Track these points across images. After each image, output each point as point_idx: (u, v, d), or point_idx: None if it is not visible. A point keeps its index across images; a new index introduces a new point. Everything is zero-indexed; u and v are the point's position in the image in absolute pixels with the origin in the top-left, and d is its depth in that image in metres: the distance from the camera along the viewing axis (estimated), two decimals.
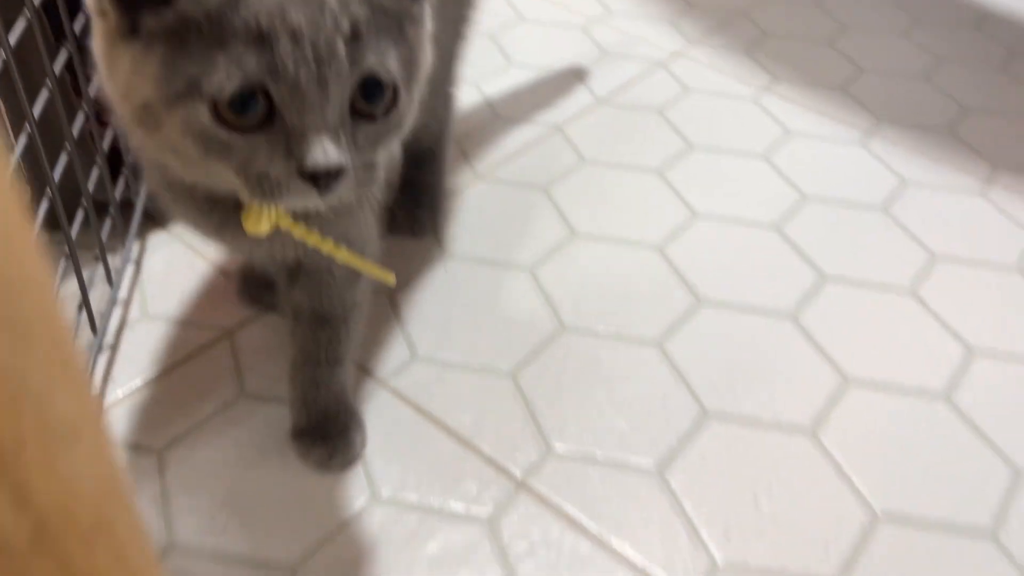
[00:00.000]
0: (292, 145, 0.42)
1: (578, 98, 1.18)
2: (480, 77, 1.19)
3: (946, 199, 1.06)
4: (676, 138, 1.13)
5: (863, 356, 0.86)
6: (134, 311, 0.83)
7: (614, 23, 1.35)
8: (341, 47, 0.41)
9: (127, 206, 0.88)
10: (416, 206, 0.92)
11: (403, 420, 0.76)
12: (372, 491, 0.71)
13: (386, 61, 0.44)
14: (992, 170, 1.11)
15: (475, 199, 1.01)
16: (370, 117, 0.45)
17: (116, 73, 0.44)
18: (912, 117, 1.18)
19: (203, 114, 0.42)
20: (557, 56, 1.25)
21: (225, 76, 0.40)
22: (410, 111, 0.48)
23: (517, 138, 1.10)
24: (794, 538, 0.71)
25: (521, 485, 0.72)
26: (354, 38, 0.42)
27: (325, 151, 0.41)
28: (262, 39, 0.40)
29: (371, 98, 0.44)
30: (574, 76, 1.22)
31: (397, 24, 0.45)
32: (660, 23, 1.35)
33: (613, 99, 1.18)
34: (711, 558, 0.69)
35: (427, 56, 0.50)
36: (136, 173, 0.86)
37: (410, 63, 0.47)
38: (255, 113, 0.42)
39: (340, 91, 0.42)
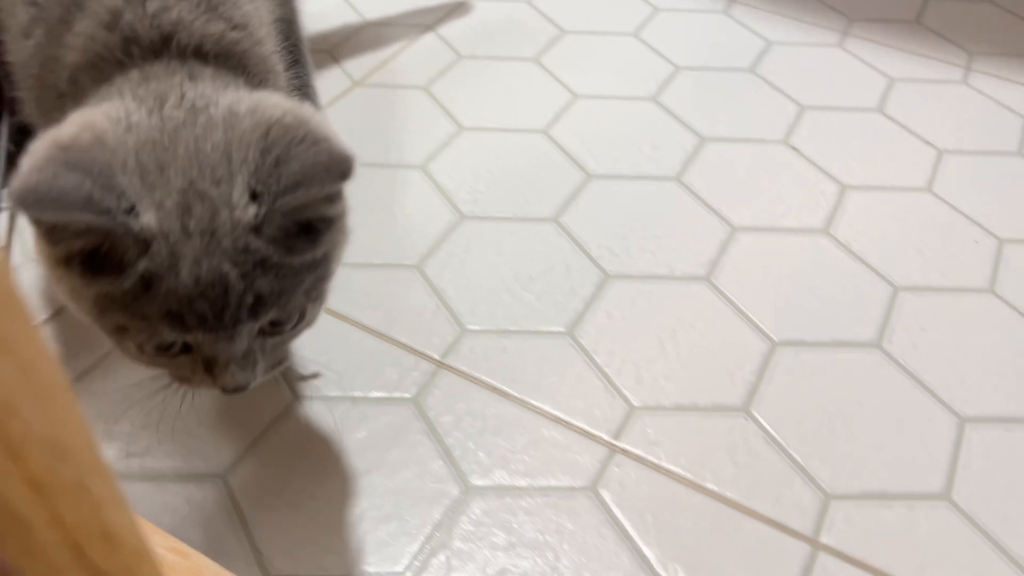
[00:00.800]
0: (209, 366, 0.47)
1: None
2: None
3: (808, 54, 1.11)
4: (549, 26, 1.13)
5: (747, 205, 0.91)
6: (16, 255, 0.80)
7: None
8: (245, 316, 0.44)
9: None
10: None
11: (316, 326, 0.77)
12: (294, 393, 0.71)
13: (290, 306, 0.46)
14: (848, 23, 1.16)
15: (356, 106, 1.00)
16: (278, 334, 0.48)
17: (59, 286, 0.46)
18: None
19: (131, 347, 0.46)
20: None
21: (146, 337, 0.44)
22: (322, 304, 0.51)
23: (390, 41, 1.09)
24: (701, 374, 0.75)
25: (440, 365, 0.74)
26: (257, 303, 0.44)
27: (234, 376, 0.46)
28: (175, 318, 0.43)
29: (278, 326, 0.47)
30: None
31: (310, 244, 0.46)
32: None
33: None
34: (627, 403, 0.73)
35: (343, 244, 0.51)
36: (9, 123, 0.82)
37: (324, 274, 0.48)
38: (175, 349, 0.46)
39: (247, 335, 0.46)
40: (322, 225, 0.46)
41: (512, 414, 0.71)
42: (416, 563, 0.62)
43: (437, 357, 0.75)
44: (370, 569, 0.61)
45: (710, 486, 0.68)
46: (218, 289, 0.42)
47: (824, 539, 0.65)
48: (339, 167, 0.42)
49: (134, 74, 0.46)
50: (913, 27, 1.17)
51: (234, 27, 0.50)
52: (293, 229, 0.45)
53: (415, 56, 1.07)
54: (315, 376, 0.72)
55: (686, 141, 0.98)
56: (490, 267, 0.83)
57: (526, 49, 1.09)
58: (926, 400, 0.75)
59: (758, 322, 0.80)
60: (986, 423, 0.74)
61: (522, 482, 0.67)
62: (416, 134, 0.96)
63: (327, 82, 1.02)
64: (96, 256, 0.42)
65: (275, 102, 0.46)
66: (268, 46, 0.54)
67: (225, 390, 0.47)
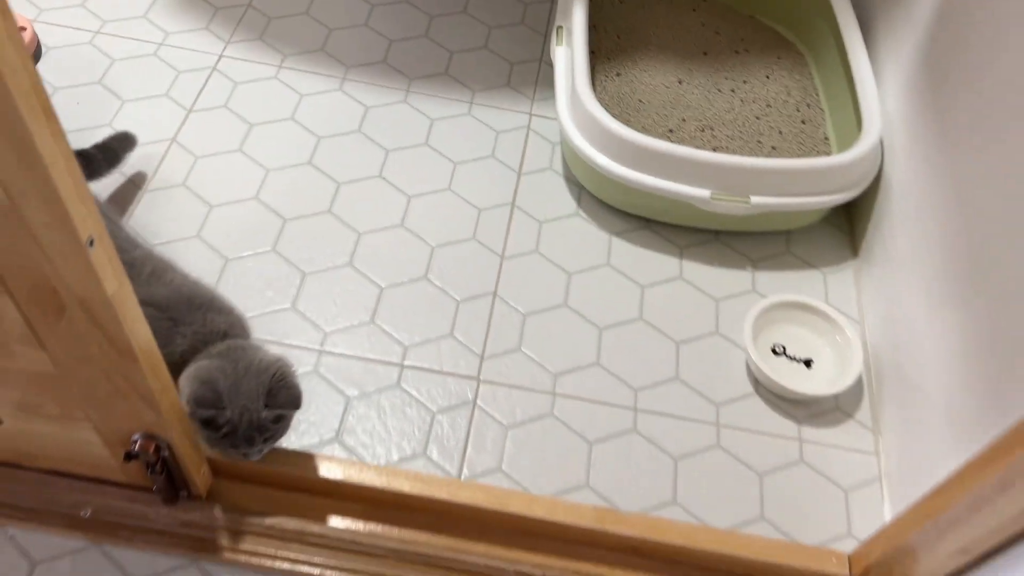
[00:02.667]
0: (244, 455, 0.83)
1: None
2: None
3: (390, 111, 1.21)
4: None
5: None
6: None
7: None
8: (259, 443, 0.82)
9: None
10: None
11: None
12: None
13: (272, 440, 0.84)
14: (408, 82, 1.27)
15: None
16: (267, 444, 0.84)
17: (197, 435, 0.82)
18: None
19: (216, 451, 0.83)
20: None
21: (221, 448, 0.82)
22: (283, 436, 0.86)
23: None
24: None
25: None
26: (263, 440, 0.82)
27: (251, 454, 0.83)
28: (235, 445, 0.81)
29: (267, 443, 0.84)
30: None
31: (282, 423, 0.85)
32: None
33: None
34: None
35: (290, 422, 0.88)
36: None
37: (284, 429, 0.85)
38: (233, 452, 0.82)
39: (259, 447, 0.83)
40: (286, 416, 0.84)
41: None
42: None
43: None
44: None
45: None
46: (251, 435, 0.81)
47: None
48: (298, 402, 0.82)
49: (214, 348, 0.85)
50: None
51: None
52: (275, 417, 0.82)
53: None
54: None
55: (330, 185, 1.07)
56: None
57: None
58: None
59: None
60: None
61: None
62: None
63: None
64: (209, 423, 0.79)
65: (272, 358, 0.84)
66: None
67: (248, 458, 0.83)
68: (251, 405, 0.80)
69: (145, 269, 0.90)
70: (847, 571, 0.84)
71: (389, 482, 0.86)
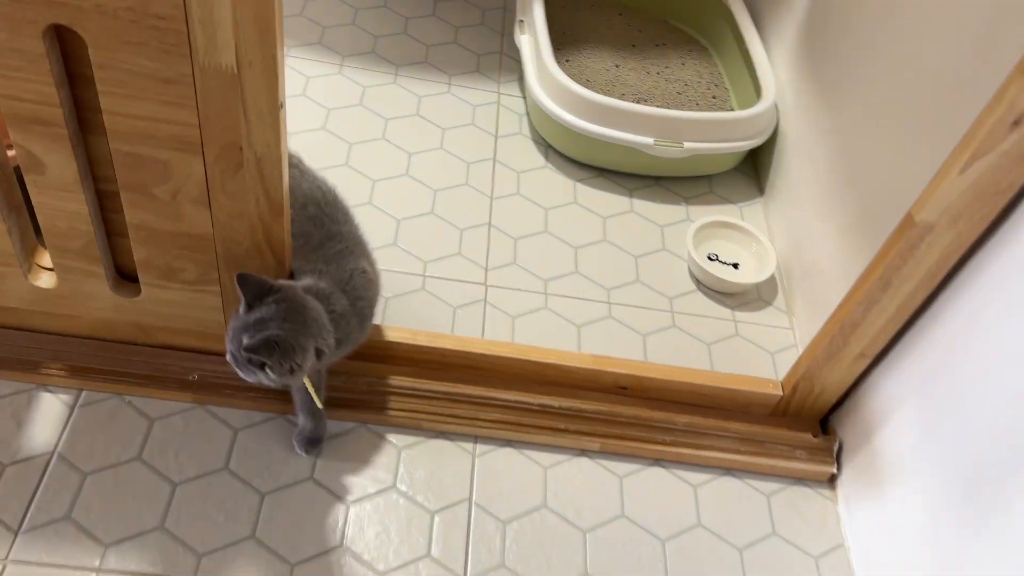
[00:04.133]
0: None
1: None
2: None
3: None
4: None
5: None
6: None
7: None
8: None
9: None
10: None
11: None
12: None
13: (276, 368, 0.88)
14: None
15: None
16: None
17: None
18: None
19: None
20: None
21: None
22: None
23: None
24: None
25: None
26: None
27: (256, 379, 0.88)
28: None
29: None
30: None
31: None
32: None
33: None
34: None
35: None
36: None
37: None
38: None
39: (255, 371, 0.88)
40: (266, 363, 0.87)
41: None
42: None
43: None
44: None
45: None
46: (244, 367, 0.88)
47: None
48: (265, 356, 0.86)
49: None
50: None
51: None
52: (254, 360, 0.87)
53: None
54: None
55: (343, 145, 1.36)
56: None
57: None
58: None
59: None
60: None
61: None
62: None
63: None
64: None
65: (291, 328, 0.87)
66: None
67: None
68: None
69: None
70: (780, 391, 1.13)
71: (433, 342, 1.09)
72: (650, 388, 1.12)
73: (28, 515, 0.93)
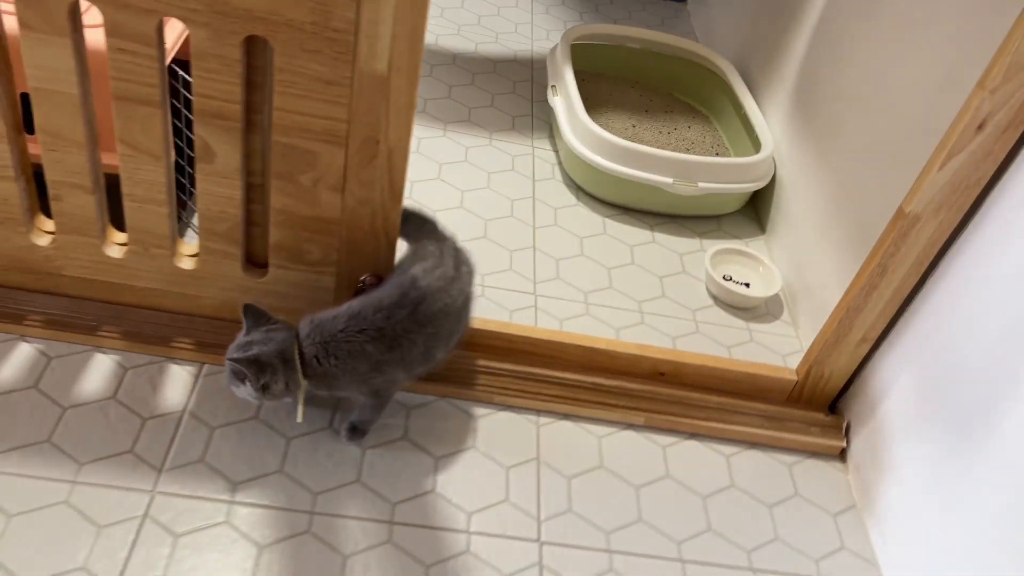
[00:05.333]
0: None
1: None
2: None
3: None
4: None
5: None
6: None
7: None
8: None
9: None
10: None
11: None
12: None
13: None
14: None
15: None
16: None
17: None
18: None
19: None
20: None
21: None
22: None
23: None
24: None
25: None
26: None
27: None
28: None
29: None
30: None
31: None
32: None
33: None
34: None
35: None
36: None
37: None
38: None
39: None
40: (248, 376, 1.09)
41: None
42: None
43: None
44: None
45: None
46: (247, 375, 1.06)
47: None
48: (243, 376, 1.03)
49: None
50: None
51: None
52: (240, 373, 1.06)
53: None
54: None
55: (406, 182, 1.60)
56: None
57: None
58: None
59: None
60: None
61: None
62: None
63: None
64: None
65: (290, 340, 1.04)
66: None
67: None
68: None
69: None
70: (795, 377, 1.33)
71: (502, 328, 1.28)
72: (684, 374, 1.31)
73: (169, 457, 1.08)
